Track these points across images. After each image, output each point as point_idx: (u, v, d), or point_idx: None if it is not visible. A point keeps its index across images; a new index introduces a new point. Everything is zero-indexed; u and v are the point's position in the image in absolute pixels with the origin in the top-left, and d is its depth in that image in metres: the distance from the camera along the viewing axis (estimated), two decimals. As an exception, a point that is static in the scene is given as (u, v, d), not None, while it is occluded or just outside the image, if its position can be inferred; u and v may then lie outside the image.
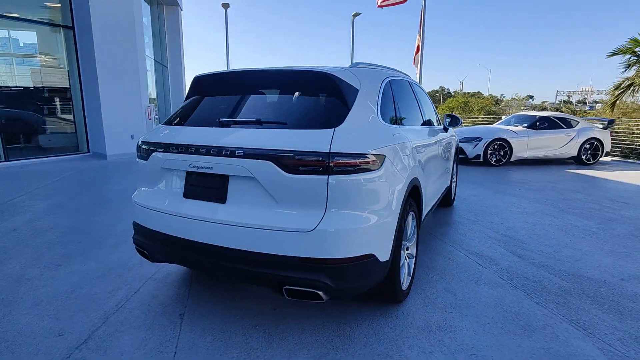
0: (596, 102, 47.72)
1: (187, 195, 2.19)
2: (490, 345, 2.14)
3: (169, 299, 2.64)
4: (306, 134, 1.95)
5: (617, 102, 14.21)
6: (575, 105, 48.46)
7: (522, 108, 31.36)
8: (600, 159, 10.02)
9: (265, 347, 2.11)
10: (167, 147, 2.23)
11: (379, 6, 19.05)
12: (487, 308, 2.55)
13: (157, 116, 12.27)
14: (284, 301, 2.58)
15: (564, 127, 9.64)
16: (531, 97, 56.34)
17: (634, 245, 3.80)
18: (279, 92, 2.35)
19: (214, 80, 2.57)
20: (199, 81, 2.64)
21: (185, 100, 2.70)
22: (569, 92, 56.47)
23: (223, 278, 2.89)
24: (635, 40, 12.57)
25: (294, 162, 1.87)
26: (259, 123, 2.10)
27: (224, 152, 2.00)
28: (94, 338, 2.18)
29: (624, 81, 13.60)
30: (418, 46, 21.94)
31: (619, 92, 13.51)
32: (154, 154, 2.32)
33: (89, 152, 9.72)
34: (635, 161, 11.02)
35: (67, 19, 9.16)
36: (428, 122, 3.76)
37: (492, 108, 30.55)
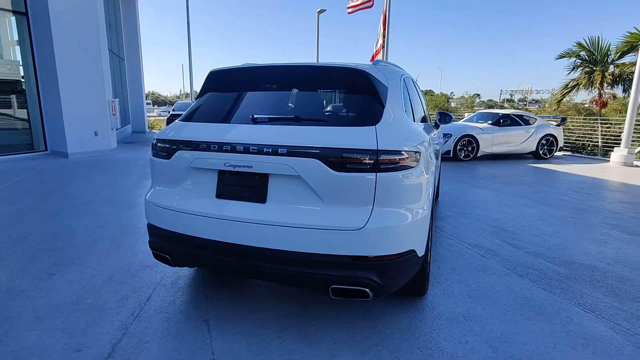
0: (536, 101, 51.26)
1: (220, 195, 2.10)
2: (517, 332, 2.26)
3: (187, 304, 2.51)
4: (351, 131, 1.94)
5: (562, 100, 15.44)
6: (517, 103, 51.38)
7: (473, 107, 33.05)
8: (555, 154, 10.83)
9: (305, 348, 2.08)
10: (196, 145, 2.11)
11: (349, 13, 19.32)
12: (502, 296, 2.68)
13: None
14: (309, 301, 2.55)
15: (523, 124, 10.31)
16: (478, 95, 59.24)
17: (608, 233, 4.17)
18: (310, 89, 2.31)
19: (237, 75, 2.47)
20: (217, 76, 2.52)
21: (200, 95, 2.57)
22: (512, 91, 59.98)
23: (257, 280, 2.80)
24: (580, 44, 13.68)
25: (341, 160, 1.85)
26: (297, 120, 2.05)
27: (265, 150, 1.93)
28: (118, 351, 2.03)
29: (570, 82, 14.79)
30: (380, 45, 22.37)
31: (566, 91, 14.68)
32: (178, 152, 2.18)
33: (46, 150, 8.94)
34: (583, 155, 12.04)
35: (19, 3, 8.34)
36: (424, 119, 3.87)
37: (446, 106, 31.93)
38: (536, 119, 10.58)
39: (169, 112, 14.86)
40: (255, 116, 2.11)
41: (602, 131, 12.16)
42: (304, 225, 1.89)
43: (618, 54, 12.80)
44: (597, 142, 12.41)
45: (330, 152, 1.85)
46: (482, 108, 30.92)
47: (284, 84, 2.35)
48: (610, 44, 13.09)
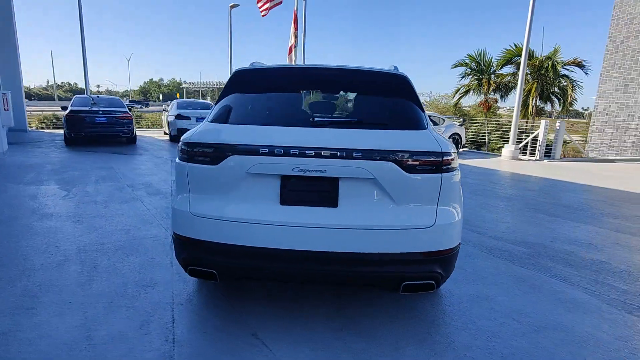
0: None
1: (286, 201, 2.01)
2: (525, 304, 2.66)
3: (222, 320, 2.34)
4: (415, 134, 2.06)
5: (457, 103, 17.87)
6: None
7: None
8: (459, 150, 12.48)
9: (369, 346, 2.14)
10: (256, 150, 1.99)
11: (263, 15, 19.20)
12: (496, 277, 3.10)
13: None
14: (341, 301, 2.59)
15: (437, 124, 11.65)
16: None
17: (535, 216, 5.07)
18: (357, 92, 2.35)
19: (277, 76, 2.39)
20: (246, 75, 2.39)
21: (225, 95, 2.39)
22: None
23: (321, 284, 2.71)
24: (470, 56, 15.98)
25: (414, 162, 1.97)
26: (358, 124, 2.09)
27: (339, 154, 1.93)
28: (180, 382, 1.82)
29: (461, 87, 17.16)
30: (293, 45, 22.69)
31: (460, 95, 17.01)
32: (231, 157, 2.02)
33: None
34: (480, 151, 14.11)
35: None
36: None
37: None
38: (444, 120, 12.04)
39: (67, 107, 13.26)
40: (316, 119, 2.09)
41: (488, 131, 14.45)
42: (378, 226, 1.96)
43: (499, 66, 15.33)
44: (490, 139, 14.70)
45: (404, 155, 1.95)
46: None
47: (326, 86, 2.35)
48: (492, 57, 15.61)
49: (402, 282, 2.02)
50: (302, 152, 1.95)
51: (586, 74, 14.20)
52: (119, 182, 6.17)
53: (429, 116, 10.88)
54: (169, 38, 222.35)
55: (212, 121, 2.26)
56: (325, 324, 2.33)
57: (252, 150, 2.00)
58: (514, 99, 12.34)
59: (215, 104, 2.41)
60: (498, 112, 18.40)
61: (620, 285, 3.01)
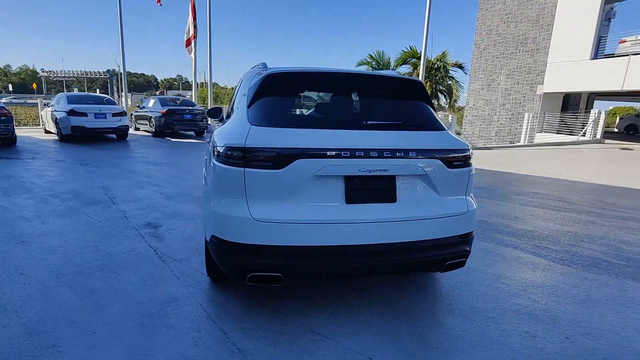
0: None
1: (351, 200, 2.15)
2: (503, 270, 3.28)
3: (271, 324, 2.36)
4: (447, 135, 2.41)
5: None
6: None
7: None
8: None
9: (413, 320, 2.44)
10: (323, 153, 2.07)
11: (159, 4, 17.80)
12: (492, 256, 3.58)
13: None
14: (369, 292, 2.83)
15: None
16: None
17: (464, 198, 6.00)
18: (387, 96, 2.56)
19: (313, 80, 2.46)
20: (282, 79, 2.42)
21: (260, 97, 2.36)
22: None
23: (378, 274, 2.85)
24: (371, 56, 17.40)
25: (452, 158, 2.31)
26: (402, 126, 2.34)
27: (397, 154, 2.15)
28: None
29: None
30: (192, 35, 21.47)
31: None
32: (297, 161, 2.06)
33: None
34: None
35: None
36: None
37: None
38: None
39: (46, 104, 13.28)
40: (368, 122, 2.26)
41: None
42: (429, 216, 2.26)
43: (397, 66, 17.05)
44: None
45: (446, 152, 2.29)
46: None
47: (363, 91, 2.53)
48: (390, 58, 17.28)
49: (445, 262, 2.36)
50: (367, 153, 2.12)
51: (465, 73, 16.86)
52: (35, 192, 5.22)
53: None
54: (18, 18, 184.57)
55: (256, 125, 2.20)
56: (369, 311, 2.55)
57: (320, 154, 2.08)
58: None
59: (249, 106, 2.35)
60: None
61: (553, 247, 3.91)
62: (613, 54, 14.60)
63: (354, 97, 2.63)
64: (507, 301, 2.75)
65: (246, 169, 2.09)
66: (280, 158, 2.07)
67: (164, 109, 12.75)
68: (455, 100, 16.95)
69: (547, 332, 2.38)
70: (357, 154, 2.11)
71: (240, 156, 2.09)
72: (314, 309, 2.53)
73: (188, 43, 21.11)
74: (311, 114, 2.43)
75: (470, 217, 2.44)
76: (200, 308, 2.50)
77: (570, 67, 15.87)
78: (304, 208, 2.13)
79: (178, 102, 13.70)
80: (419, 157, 2.22)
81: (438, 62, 15.74)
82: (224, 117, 3.36)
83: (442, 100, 17.26)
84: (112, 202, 4.86)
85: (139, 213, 4.44)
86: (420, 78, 12.74)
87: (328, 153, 2.09)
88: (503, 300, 2.75)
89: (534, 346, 2.24)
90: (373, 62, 17.58)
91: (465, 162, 2.39)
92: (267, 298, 2.65)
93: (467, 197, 2.46)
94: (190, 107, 13.31)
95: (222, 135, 2.37)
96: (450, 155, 2.31)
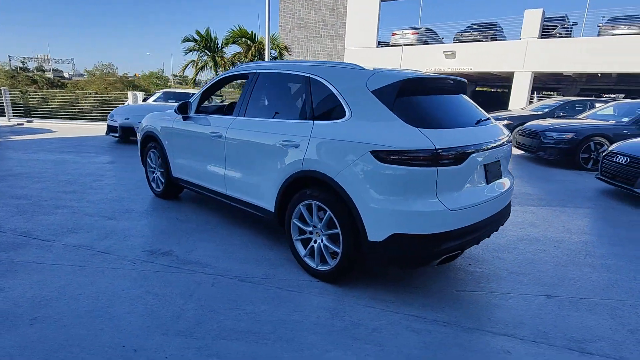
0: (80, 74, 47.05)
1: (489, 181, 2.74)
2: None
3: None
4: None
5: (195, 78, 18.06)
6: (35, 71, 40.60)
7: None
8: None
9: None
10: (485, 147, 2.62)
11: None
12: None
13: None
14: (429, 270, 3.15)
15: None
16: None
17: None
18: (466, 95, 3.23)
19: (436, 84, 2.91)
20: (419, 83, 2.74)
21: (405, 100, 2.59)
22: (24, 57, 50.08)
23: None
24: (198, 32, 16.37)
25: (509, 143, 3.29)
26: (486, 120, 3.06)
27: (501, 144, 2.93)
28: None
29: (190, 62, 17.40)
30: None
31: (197, 70, 17.25)
32: (471, 156, 2.50)
33: None
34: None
35: None
36: None
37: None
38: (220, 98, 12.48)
39: None
40: (479, 120, 2.90)
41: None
42: (510, 186, 3.16)
43: (227, 45, 16.73)
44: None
45: (507, 140, 3.17)
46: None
47: (462, 91, 3.12)
48: (217, 36, 16.75)
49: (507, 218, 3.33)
50: (493, 145, 2.78)
51: (290, 55, 18.20)
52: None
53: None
54: None
55: (416, 127, 2.42)
56: (452, 293, 3.45)
57: (479, 148, 2.57)
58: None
59: (393, 109, 2.53)
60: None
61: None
62: (394, 44, 18.79)
63: (460, 98, 3.08)
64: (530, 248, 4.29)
65: (439, 167, 2.34)
66: (461, 155, 2.44)
67: None
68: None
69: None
70: (490, 146, 2.67)
71: (430, 157, 2.31)
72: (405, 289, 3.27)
73: None
74: (441, 114, 2.75)
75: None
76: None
77: (363, 53, 19.11)
78: (470, 192, 2.56)
79: None
80: (505, 145, 2.94)
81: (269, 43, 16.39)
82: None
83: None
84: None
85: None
86: (266, 59, 13.27)
87: (484, 147, 2.59)
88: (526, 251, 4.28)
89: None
90: (200, 40, 16.53)
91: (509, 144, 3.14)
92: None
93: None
94: None
95: (379, 136, 2.44)
96: (509, 141, 3.09)
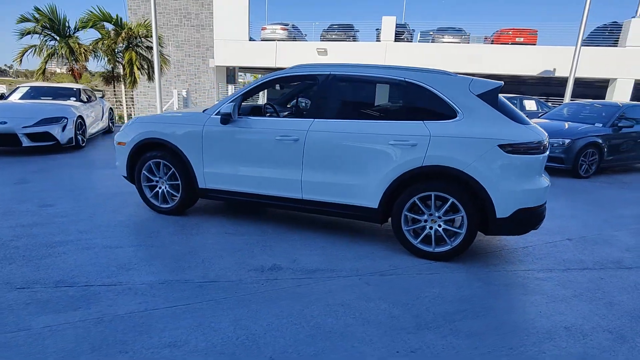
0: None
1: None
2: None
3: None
4: None
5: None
6: None
7: None
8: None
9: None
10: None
11: None
12: None
13: None
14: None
15: (94, 99, 10.25)
16: None
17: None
18: None
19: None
20: (498, 88, 3.17)
21: (496, 102, 3.11)
22: None
23: None
24: (39, 11, 13.23)
25: None
26: None
27: None
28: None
29: (31, 47, 13.97)
30: None
31: (46, 57, 13.89)
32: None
33: None
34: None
35: None
36: None
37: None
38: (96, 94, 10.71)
39: None
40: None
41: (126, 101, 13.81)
42: None
43: (82, 29, 14.05)
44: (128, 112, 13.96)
45: None
46: None
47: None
48: (66, 16, 13.91)
49: None
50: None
51: (162, 45, 16.45)
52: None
53: (84, 90, 10.06)
54: None
55: (518, 123, 3.05)
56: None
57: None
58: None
59: (500, 110, 3.08)
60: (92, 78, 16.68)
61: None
62: (264, 38, 19.07)
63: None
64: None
65: (542, 154, 3.03)
66: (546, 145, 3.09)
67: None
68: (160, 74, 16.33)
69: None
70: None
71: (540, 147, 2.99)
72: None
73: None
74: (519, 112, 3.26)
75: None
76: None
77: (234, 45, 18.66)
78: (541, 178, 3.16)
79: None
80: None
81: (142, 30, 14.48)
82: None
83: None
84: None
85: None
86: (154, 50, 11.99)
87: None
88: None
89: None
90: (43, 19, 13.22)
91: None
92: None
93: None
94: None
95: (500, 133, 2.94)
96: None
